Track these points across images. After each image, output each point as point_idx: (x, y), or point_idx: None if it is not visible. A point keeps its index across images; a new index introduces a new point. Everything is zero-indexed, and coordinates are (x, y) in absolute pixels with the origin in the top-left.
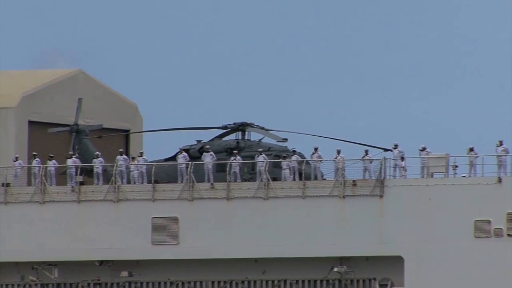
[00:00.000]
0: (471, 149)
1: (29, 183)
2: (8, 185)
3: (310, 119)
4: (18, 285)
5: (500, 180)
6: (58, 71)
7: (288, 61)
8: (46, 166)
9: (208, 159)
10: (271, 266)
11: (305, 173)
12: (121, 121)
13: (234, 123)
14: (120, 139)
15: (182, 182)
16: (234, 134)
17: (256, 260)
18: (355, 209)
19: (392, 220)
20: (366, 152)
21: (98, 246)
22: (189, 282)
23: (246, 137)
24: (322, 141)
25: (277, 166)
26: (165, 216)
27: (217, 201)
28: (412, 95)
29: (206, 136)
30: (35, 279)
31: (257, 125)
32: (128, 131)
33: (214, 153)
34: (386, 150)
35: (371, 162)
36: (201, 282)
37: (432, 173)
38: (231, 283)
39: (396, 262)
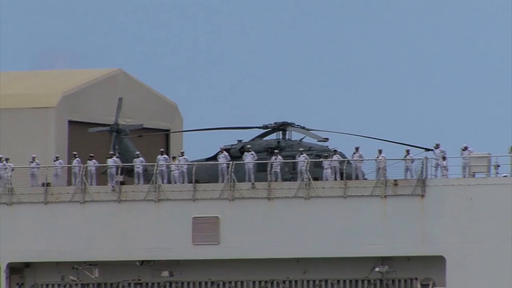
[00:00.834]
0: None
1: (69, 183)
2: (48, 184)
3: (351, 118)
4: (59, 285)
5: None
6: (99, 71)
7: (330, 60)
8: (87, 166)
9: (249, 158)
10: (312, 266)
11: (346, 173)
12: (161, 120)
13: (275, 123)
14: (160, 138)
15: (223, 181)
16: (275, 133)
17: (297, 260)
18: (397, 209)
19: (434, 220)
20: (408, 151)
21: (139, 246)
22: (229, 282)
23: (287, 137)
24: (363, 140)
25: (318, 165)
26: (206, 216)
27: (258, 201)
28: (454, 94)
29: (247, 136)
30: (75, 279)
31: (298, 125)
32: (168, 130)
33: (255, 152)
34: (427, 149)
35: (412, 162)
36: (241, 282)
37: (473, 172)
38: (272, 283)
39: (438, 262)
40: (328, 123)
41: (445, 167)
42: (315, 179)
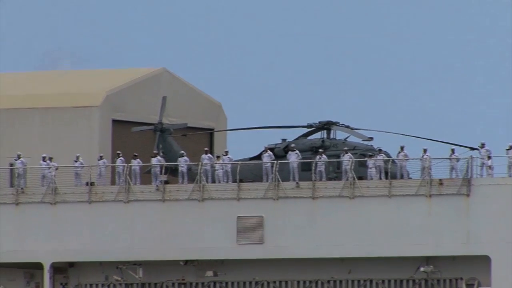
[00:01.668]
0: None
1: (113, 182)
2: (92, 184)
3: (396, 117)
4: (103, 285)
5: None
6: (142, 70)
7: (375, 59)
8: (131, 165)
9: (293, 157)
10: (356, 265)
11: (391, 172)
12: (205, 120)
13: (320, 122)
14: (204, 138)
15: (267, 181)
16: (319, 133)
17: (342, 260)
18: (442, 208)
19: (479, 219)
20: (453, 150)
21: (183, 245)
22: (274, 282)
23: (331, 136)
24: (408, 139)
25: (363, 165)
26: (250, 215)
27: (302, 200)
28: (501, 94)
29: (291, 135)
30: (119, 279)
31: (343, 124)
32: (212, 129)
33: (299, 151)
34: (472, 149)
35: (457, 161)
36: (286, 282)
37: None
38: (316, 282)
39: (483, 261)
40: (373, 122)
41: (490, 166)
42: (360, 178)
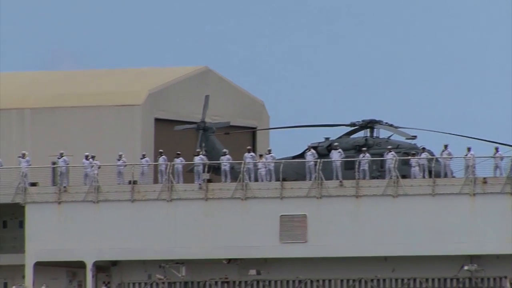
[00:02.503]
0: None
1: (155, 181)
2: (135, 182)
3: (439, 116)
4: (145, 283)
5: None
6: (185, 68)
7: (418, 57)
8: (173, 164)
9: (337, 156)
10: (400, 264)
11: (435, 171)
12: (248, 118)
13: (363, 120)
14: (247, 136)
15: (310, 179)
16: (363, 131)
17: (385, 258)
18: (486, 206)
19: None
20: (497, 149)
21: (226, 244)
22: (317, 281)
23: (374, 135)
24: (452, 138)
25: (406, 163)
26: (293, 214)
27: (345, 199)
28: None
29: (334, 133)
30: (162, 277)
31: (386, 122)
32: (255, 128)
33: (343, 150)
34: None
35: (501, 160)
36: (329, 281)
37: None
38: (360, 281)
39: None
40: (416, 121)
41: None
42: (403, 177)
